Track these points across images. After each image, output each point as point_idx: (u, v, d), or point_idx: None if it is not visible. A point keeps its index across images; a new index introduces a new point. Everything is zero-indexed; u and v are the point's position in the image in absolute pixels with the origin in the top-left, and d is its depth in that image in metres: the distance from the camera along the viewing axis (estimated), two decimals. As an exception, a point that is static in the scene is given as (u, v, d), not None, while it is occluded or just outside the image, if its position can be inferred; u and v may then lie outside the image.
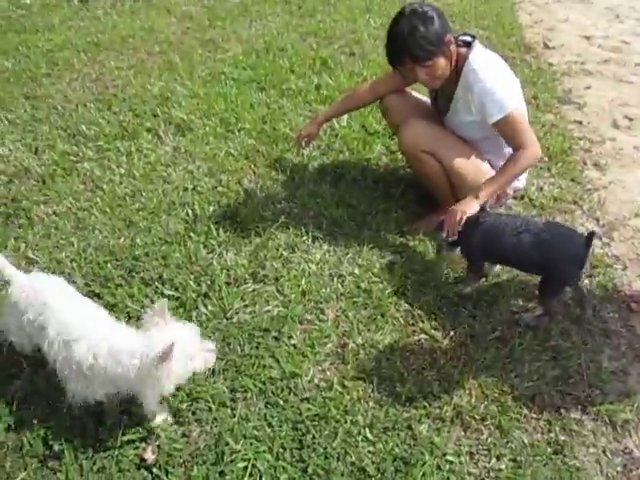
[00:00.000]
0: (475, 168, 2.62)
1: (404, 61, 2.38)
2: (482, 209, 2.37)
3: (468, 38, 2.52)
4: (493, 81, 2.40)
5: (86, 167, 3.07)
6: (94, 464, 1.75)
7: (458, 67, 2.48)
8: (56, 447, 1.79)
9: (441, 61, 2.38)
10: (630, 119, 4.14)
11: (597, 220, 3.02)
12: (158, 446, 1.81)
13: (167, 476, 1.72)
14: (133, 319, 2.21)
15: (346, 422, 1.90)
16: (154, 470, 1.74)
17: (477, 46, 2.48)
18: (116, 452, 1.78)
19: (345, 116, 3.54)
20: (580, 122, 4.02)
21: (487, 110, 2.42)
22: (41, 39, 4.55)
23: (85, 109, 3.61)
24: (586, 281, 2.55)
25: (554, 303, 2.35)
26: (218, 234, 2.64)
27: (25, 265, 2.45)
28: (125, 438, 1.81)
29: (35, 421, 1.85)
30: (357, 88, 2.97)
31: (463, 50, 2.48)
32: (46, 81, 3.96)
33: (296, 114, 3.62)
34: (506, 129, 2.44)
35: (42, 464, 1.76)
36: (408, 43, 2.30)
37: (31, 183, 2.95)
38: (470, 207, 2.35)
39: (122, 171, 3.04)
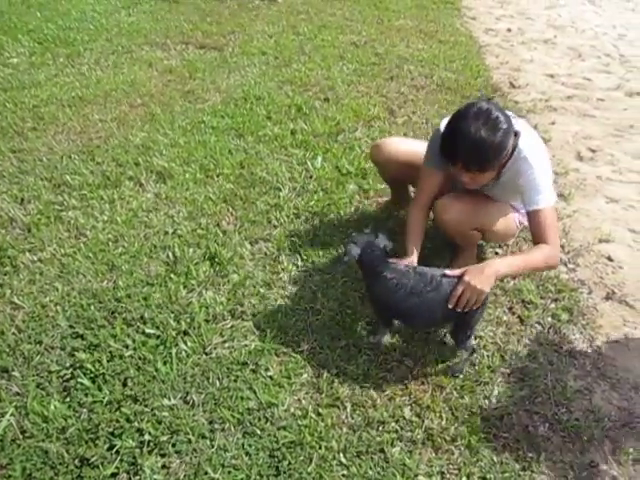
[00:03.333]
0: (506, 226, 2.64)
1: (455, 163, 2.19)
2: (385, 258, 2.24)
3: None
4: (543, 171, 2.29)
5: (70, 215, 3.18)
6: (77, 498, 1.81)
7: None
8: (41, 484, 1.84)
9: (490, 174, 2.26)
10: (593, 151, 4.35)
11: (562, 247, 3.16)
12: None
13: (147, 507, 1.77)
14: (116, 359, 2.29)
15: (321, 448, 1.98)
16: (135, 502, 1.80)
17: (524, 132, 2.32)
18: (99, 486, 1.84)
19: (319, 158, 3.71)
20: (545, 156, 4.20)
21: (531, 197, 2.28)
22: (27, 95, 4.72)
23: (70, 160, 3.74)
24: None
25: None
26: (197, 274, 2.74)
27: (10, 310, 2.54)
28: (109, 471, 1.87)
29: (20, 459, 1.91)
30: (412, 213, 2.59)
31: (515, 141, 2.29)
32: (32, 135, 4.10)
33: (273, 159, 3.78)
34: (540, 221, 2.26)
35: (27, 501, 1.81)
36: (465, 150, 2.12)
37: (16, 232, 3.06)
38: (489, 287, 2.10)
39: (105, 218, 3.16)
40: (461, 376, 2.31)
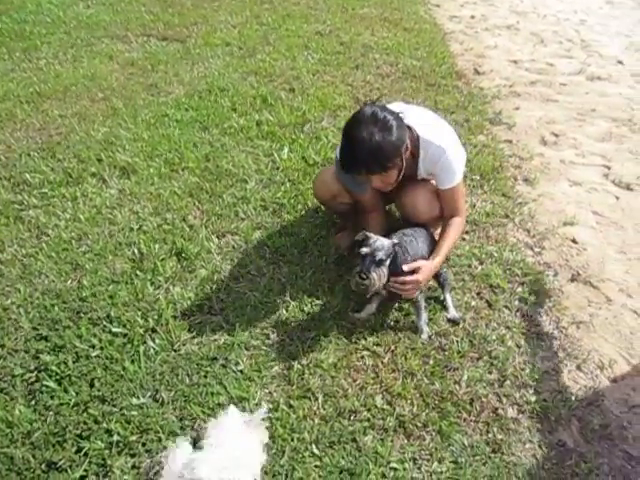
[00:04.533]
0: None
1: (359, 171, 2.25)
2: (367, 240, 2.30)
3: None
4: (455, 151, 2.41)
5: (31, 214, 3.10)
6: (45, 503, 1.77)
7: (412, 148, 2.38)
8: (6, 490, 1.80)
9: (395, 171, 2.29)
10: (556, 135, 4.41)
11: (528, 231, 3.21)
12: (109, 480, 1.85)
13: (118, 508, 1.75)
14: (82, 359, 2.24)
15: (293, 440, 1.98)
16: (105, 504, 1.77)
17: (417, 118, 2.40)
18: (68, 490, 1.81)
19: (286, 148, 3.69)
20: (510, 141, 4.25)
21: (441, 179, 2.45)
22: (-17, 92, 4.59)
23: (29, 158, 3.65)
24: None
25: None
26: (164, 270, 2.70)
27: (-30, 315, 2.47)
28: (77, 474, 1.84)
29: (-16, 466, 1.87)
30: (370, 217, 2.71)
31: (413, 134, 2.37)
32: (-11, 133, 3.99)
33: (239, 151, 3.73)
34: (453, 197, 2.48)
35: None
36: (364, 156, 2.15)
37: (-25, 234, 2.97)
38: (431, 276, 2.42)
39: (67, 216, 3.09)
40: (425, 338, 2.43)
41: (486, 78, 5.40)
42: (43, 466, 1.88)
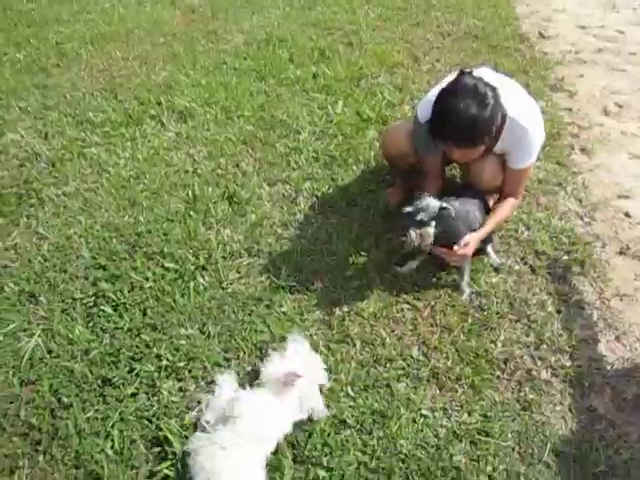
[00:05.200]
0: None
1: (445, 141, 2.23)
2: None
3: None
4: (537, 134, 2.36)
5: (93, 151, 3.25)
6: (98, 413, 1.93)
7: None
8: (65, 399, 1.96)
9: (481, 148, 2.25)
10: (620, 106, 4.26)
11: (580, 201, 3.16)
12: (158, 401, 1.98)
13: (163, 424, 1.88)
14: (136, 289, 2.38)
15: (329, 380, 2.07)
16: (153, 420, 1.92)
17: (514, 96, 2.33)
18: (120, 405, 1.95)
19: (340, 102, 3.70)
20: (570, 109, 4.13)
21: (515, 158, 2.41)
22: (50, 31, 4.73)
23: (92, 97, 3.78)
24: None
25: None
26: (216, 213, 2.80)
27: (36, 240, 2.64)
28: (130, 390, 1.99)
29: (47, 376, 2.03)
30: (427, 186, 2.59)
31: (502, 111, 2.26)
32: (55, 71, 4.14)
33: (294, 102, 3.77)
34: (518, 179, 2.49)
35: (52, 414, 1.94)
36: (456, 128, 2.12)
37: (41, 166, 3.13)
38: (476, 247, 2.43)
39: (127, 155, 3.22)
40: (465, 298, 2.46)
41: (551, 43, 5.21)
42: (99, 381, 2.04)
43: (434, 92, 2.28)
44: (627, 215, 3.13)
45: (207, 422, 1.75)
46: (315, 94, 3.86)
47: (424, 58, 4.49)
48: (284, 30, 4.80)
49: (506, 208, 2.54)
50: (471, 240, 2.35)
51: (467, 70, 2.19)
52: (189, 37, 4.72)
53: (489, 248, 2.64)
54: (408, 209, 2.24)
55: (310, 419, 1.89)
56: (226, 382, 1.91)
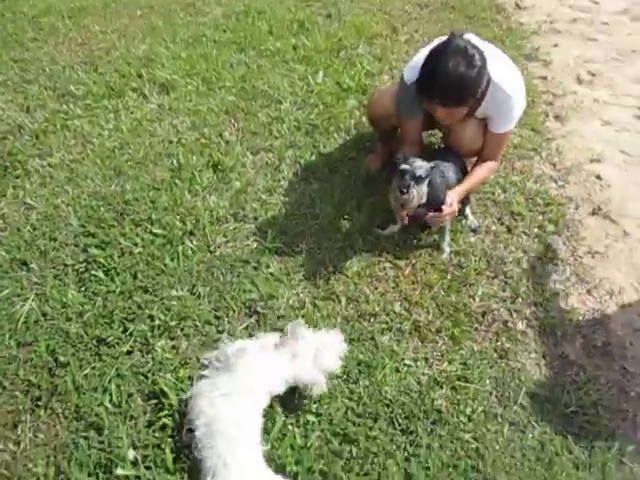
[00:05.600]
0: None
1: (432, 99, 2.27)
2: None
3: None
4: (519, 100, 2.44)
5: (76, 124, 3.27)
6: (95, 370, 2.00)
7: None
8: (62, 358, 2.03)
9: (465, 109, 2.32)
10: (593, 74, 4.36)
11: (554, 165, 3.27)
12: (152, 358, 2.06)
13: (160, 379, 1.97)
14: (126, 255, 2.44)
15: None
16: (148, 375, 2.00)
17: (497, 62, 2.37)
18: (116, 362, 2.03)
19: (320, 72, 3.75)
20: (545, 77, 4.23)
21: (496, 123, 2.48)
22: (25, 5, 4.68)
23: (72, 71, 3.78)
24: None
25: None
26: (201, 180, 2.86)
27: (24, 210, 2.68)
28: (124, 348, 2.07)
29: (43, 338, 2.10)
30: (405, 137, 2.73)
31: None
32: (33, 45, 4.11)
33: (274, 73, 3.81)
34: (498, 142, 2.57)
35: (50, 372, 2.01)
36: (444, 86, 2.18)
37: (25, 139, 3.15)
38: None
39: (110, 126, 3.24)
40: (445, 257, 2.57)
41: (527, 13, 5.28)
42: (94, 341, 2.11)
43: (420, 56, 2.35)
44: (599, 178, 3.25)
45: (210, 362, 1.84)
46: (295, 65, 3.90)
47: (402, 29, 4.54)
48: (262, 2, 4.81)
49: (484, 170, 2.63)
50: (452, 199, 2.44)
51: (458, 33, 2.25)
52: (167, 10, 4.70)
53: (467, 210, 2.75)
54: (405, 166, 2.31)
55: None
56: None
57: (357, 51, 4.12)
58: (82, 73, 3.76)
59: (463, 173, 2.63)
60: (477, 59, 2.17)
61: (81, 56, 3.99)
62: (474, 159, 2.72)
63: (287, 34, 4.32)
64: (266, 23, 4.45)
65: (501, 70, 2.39)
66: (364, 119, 3.36)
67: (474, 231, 2.71)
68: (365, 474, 1.76)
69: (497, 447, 1.88)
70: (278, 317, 2.22)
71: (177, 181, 2.84)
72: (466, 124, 2.52)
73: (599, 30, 5.11)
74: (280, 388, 1.85)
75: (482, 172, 2.63)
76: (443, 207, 2.40)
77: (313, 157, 3.06)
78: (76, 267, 2.40)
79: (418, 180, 2.28)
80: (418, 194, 2.30)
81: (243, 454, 1.61)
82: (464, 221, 2.73)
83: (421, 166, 2.29)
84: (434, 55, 2.22)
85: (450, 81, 2.15)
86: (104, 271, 2.37)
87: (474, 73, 2.16)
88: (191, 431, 1.70)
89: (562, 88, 4.08)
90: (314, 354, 1.87)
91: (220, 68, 3.82)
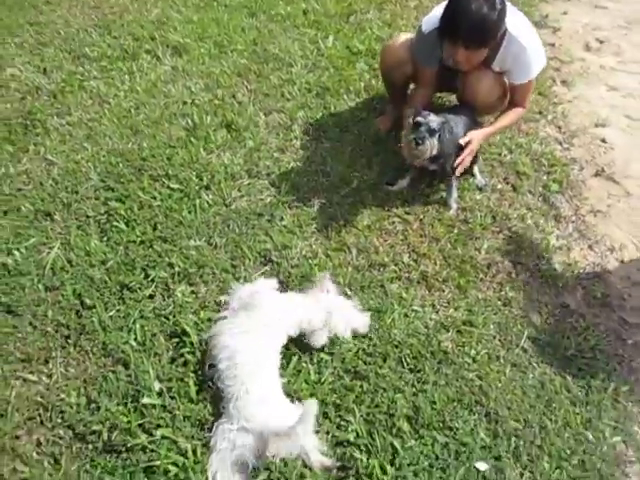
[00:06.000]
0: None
1: (455, 41, 2.34)
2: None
3: None
4: (535, 50, 2.50)
5: (92, 84, 3.34)
6: (119, 312, 2.12)
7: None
8: (88, 301, 2.15)
9: (485, 51, 2.40)
10: (601, 42, 4.40)
11: (559, 128, 3.34)
12: (173, 302, 2.17)
13: (180, 319, 2.08)
14: (145, 207, 2.54)
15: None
16: (170, 317, 2.11)
17: (511, 15, 2.40)
18: (139, 305, 2.14)
19: (331, 37, 3.80)
20: (553, 44, 4.27)
21: (516, 74, 2.57)
22: (37, -31, 4.71)
23: (87, 34, 3.84)
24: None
25: None
26: (216, 139, 2.94)
27: (46, 165, 2.77)
28: (146, 292, 2.18)
29: (69, 282, 2.21)
30: (417, 94, 2.85)
31: None
32: (47, 8, 4.17)
33: (285, 37, 3.86)
34: (519, 90, 2.65)
35: (78, 314, 2.12)
36: (467, 27, 2.25)
37: (43, 99, 3.23)
38: (479, 144, 2.66)
39: (126, 87, 3.32)
40: (452, 213, 2.66)
41: (536, -20, 5.28)
42: (117, 286, 2.22)
43: (439, 8, 2.43)
44: (603, 141, 3.33)
45: (228, 306, 1.95)
46: (306, 29, 3.95)
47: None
48: (273, -33, 4.82)
49: (512, 114, 2.72)
50: (474, 138, 2.55)
51: None
52: (178, -26, 4.73)
53: (475, 169, 2.83)
54: (420, 119, 2.40)
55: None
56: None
57: (367, 16, 4.16)
58: (96, 36, 3.82)
59: (472, 128, 2.70)
60: (498, 2, 2.26)
61: (95, 19, 4.04)
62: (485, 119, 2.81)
63: (297, -1, 4.35)
64: (277, -12, 4.47)
65: (516, 24, 2.46)
66: (374, 82, 3.43)
67: (481, 190, 2.80)
68: (375, 406, 1.88)
69: (499, 385, 2.00)
70: (292, 266, 2.32)
71: (192, 139, 2.93)
72: (482, 75, 2.60)
73: (609, -2, 5.12)
74: (294, 330, 1.96)
75: (509, 116, 2.73)
76: (460, 140, 2.53)
77: (324, 118, 3.13)
78: (98, 218, 2.50)
79: (432, 132, 2.38)
80: (431, 146, 2.39)
81: (263, 382, 1.73)
82: (471, 179, 2.82)
83: (434, 120, 2.38)
84: (458, 0, 2.29)
85: (473, 23, 2.23)
86: (125, 222, 2.47)
87: (495, 15, 2.25)
88: (213, 366, 1.82)
89: (570, 55, 4.12)
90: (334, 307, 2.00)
91: (232, 32, 3.88)
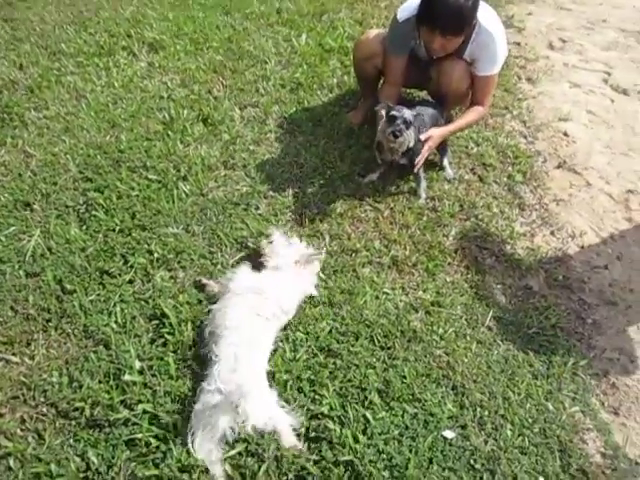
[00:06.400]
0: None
1: (433, 29, 2.46)
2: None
3: None
4: (502, 41, 2.65)
5: (69, 79, 3.39)
6: (100, 297, 2.18)
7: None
8: (68, 286, 2.20)
9: (460, 39, 2.53)
10: (564, 41, 4.58)
11: (524, 122, 3.49)
12: (153, 286, 2.24)
13: (160, 302, 2.15)
14: (124, 197, 2.60)
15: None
16: (149, 301, 2.18)
17: (480, 11, 2.52)
18: (119, 289, 2.20)
19: (304, 35, 3.90)
20: (519, 43, 4.44)
21: (482, 65, 2.70)
22: (11, -32, 4.72)
23: (62, 30, 3.88)
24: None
25: None
26: (192, 132, 3.02)
27: (24, 158, 2.81)
28: (126, 278, 2.24)
29: (50, 269, 2.26)
30: (384, 89, 2.94)
31: None
32: (22, 5, 4.20)
33: (259, 35, 3.95)
34: (483, 83, 2.78)
35: (58, 299, 2.18)
36: (447, 15, 2.39)
37: (20, 93, 3.27)
38: (438, 142, 2.78)
39: (102, 83, 3.37)
40: (422, 202, 2.77)
41: (503, -17, 5.46)
42: (97, 272, 2.27)
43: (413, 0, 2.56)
44: (565, 135, 3.48)
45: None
46: (280, 28, 4.04)
47: (383, -4, 4.70)
48: (247, -32, 4.90)
49: (472, 113, 2.85)
50: (434, 135, 2.67)
51: None
52: (153, -27, 4.78)
53: (445, 162, 2.94)
54: (395, 112, 2.51)
55: None
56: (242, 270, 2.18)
57: (339, 15, 4.28)
58: (72, 32, 3.86)
59: (438, 123, 2.82)
60: None
61: (70, 16, 4.08)
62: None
63: (271, -2, 4.45)
64: (250, -13, 4.56)
65: (485, 15, 2.60)
66: (346, 78, 3.54)
67: (449, 181, 2.92)
68: (348, 381, 1.96)
69: (466, 360, 2.10)
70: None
71: (169, 133, 2.99)
72: (455, 64, 2.74)
73: (572, 0, 5.32)
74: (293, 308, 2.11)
75: (470, 115, 2.85)
76: (421, 136, 2.64)
77: (298, 112, 3.23)
78: (77, 208, 2.56)
79: (408, 124, 2.49)
80: (408, 138, 2.51)
81: (253, 358, 1.82)
82: (441, 172, 2.93)
83: (408, 112, 2.50)
84: None
85: (452, 11, 2.38)
86: (104, 211, 2.53)
87: (470, 4, 2.39)
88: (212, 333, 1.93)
89: (534, 53, 4.29)
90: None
91: (207, 29, 3.95)
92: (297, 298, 2.13)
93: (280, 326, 2.06)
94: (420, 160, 2.68)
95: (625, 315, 2.42)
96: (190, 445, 1.69)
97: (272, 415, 1.74)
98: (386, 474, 1.74)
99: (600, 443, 1.96)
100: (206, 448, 1.69)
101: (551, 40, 4.57)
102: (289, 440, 1.77)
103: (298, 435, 1.81)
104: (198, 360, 1.95)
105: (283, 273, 2.14)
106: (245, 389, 1.64)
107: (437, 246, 2.55)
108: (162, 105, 3.20)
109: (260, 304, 1.96)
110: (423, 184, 2.80)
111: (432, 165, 2.96)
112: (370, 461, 1.75)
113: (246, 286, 2.02)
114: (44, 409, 1.84)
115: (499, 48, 2.64)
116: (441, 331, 2.19)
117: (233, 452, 1.73)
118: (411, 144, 2.58)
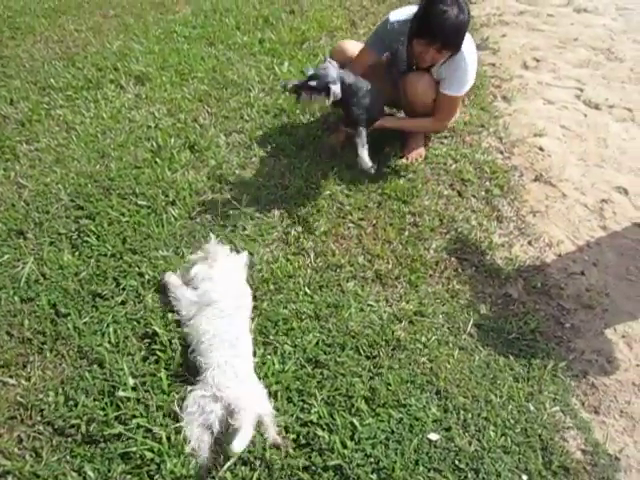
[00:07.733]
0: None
1: (432, 42, 2.61)
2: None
3: None
4: (473, 65, 2.84)
5: (59, 113, 3.49)
6: (93, 318, 2.25)
7: None
8: (63, 310, 2.27)
9: (448, 54, 2.71)
10: (537, 60, 4.75)
11: (500, 139, 3.62)
12: (144, 306, 2.32)
13: (152, 321, 2.22)
14: (115, 223, 2.69)
15: (290, 283, 2.45)
16: (141, 320, 2.25)
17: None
18: (111, 310, 2.28)
19: (286, 63, 4.04)
20: (494, 64, 4.61)
21: (449, 84, 2.87)
22: (0, 6, 4.87)
23: (51, 66, 4.00)
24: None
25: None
26: (180, 159, 3.12)
27: (17, 189, 2.90)
28: (118, 300, 2.32)
29: (44, 294, 2.33)
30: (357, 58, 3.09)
31: None
32: (11, 43, 4.32)
33: (243, 64, 4.09)
34: (444, 102, 2.95)
35: (53, 322, 2.25)
36: (447, 30, 2.53)
37: (11, 127, 3.37)
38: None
39: (91, 115, 3.48)
40: (367, 167, 2.95)
41: (477, 7, 5.68)
42: (90, 296, 2.35)
43: (409, 8, 2.76)
44: (541, 149, 3.61)
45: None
46: (262, 57, 4.19)
47: (361, 23, 4.88)
48: (229, 0, 5.08)
49: (423, 120, 3.06)
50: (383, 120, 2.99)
51: None
52: (138, 9, 4.95)
53: (360, 149, 2.95)
54: (312, 72, 2.78)
55: None
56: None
57: (319, 43, 4.43)
58: (61, 68, 3.98)
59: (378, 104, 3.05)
60: (467, 9, 2.57)
61: (59, 52, 4.21)
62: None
63: (253, 29, 4.61)
64: (233, 19, 4.73)
65: (469, 46, 2.80)
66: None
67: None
68: (335, 390, 2.04)
69: (449, 366, 2.18)
70: (255, 270, 2.49)
71: (157, 160, 3.10)
72: (421, 76, 2.91)
73: (544, 21, 5.52)
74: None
75: (419, 120, 3.11)
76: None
77: (281, 137, 3.34)
78: (69, 235, 2.64)
79: (310, 88, 2.79)
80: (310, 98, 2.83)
81: (241, 359, 1.91)
82: (421, 187, 3.04)
83: (325, 75, 2.77)
84: (436, 5, 2.54)
85: (453, 27, 2.54)
86: (96, 237, 2.61)
87: (466, 17, 2.56)
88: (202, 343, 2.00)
89: (509, 73, 4.45)
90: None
91: (192, 60, 4.09)
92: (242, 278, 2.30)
93: (249, 313, 2.21)
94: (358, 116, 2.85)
95: (602, 318, 2.51)
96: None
97: (261, 409, 1.81)
98: (374, 477, 1.81)
99: (581, 441, 2.04)
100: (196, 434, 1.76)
101: (525, 60, 4.74)
102: (273, 435, 1.84)
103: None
104: (190, 371, 2.02)
105: (219, 263, 2.28)
106: (241, 396, 1.72)
107: (419, 259, 2.64)
108: (150, 134, 3.31)
109: (222, 304, 2.08)
110: (360, 149, 2.92)
111: (409, 180, 3.08)
112: (358, 465, 1.82)
113: (209, 294, 2.14)
114: (41, 428, 1.90)
115: (468, 71, 2.81)
116: (424, 339, 2.28)
117: (230, 462, 1.80)
118: (338, 97, 2.77)
